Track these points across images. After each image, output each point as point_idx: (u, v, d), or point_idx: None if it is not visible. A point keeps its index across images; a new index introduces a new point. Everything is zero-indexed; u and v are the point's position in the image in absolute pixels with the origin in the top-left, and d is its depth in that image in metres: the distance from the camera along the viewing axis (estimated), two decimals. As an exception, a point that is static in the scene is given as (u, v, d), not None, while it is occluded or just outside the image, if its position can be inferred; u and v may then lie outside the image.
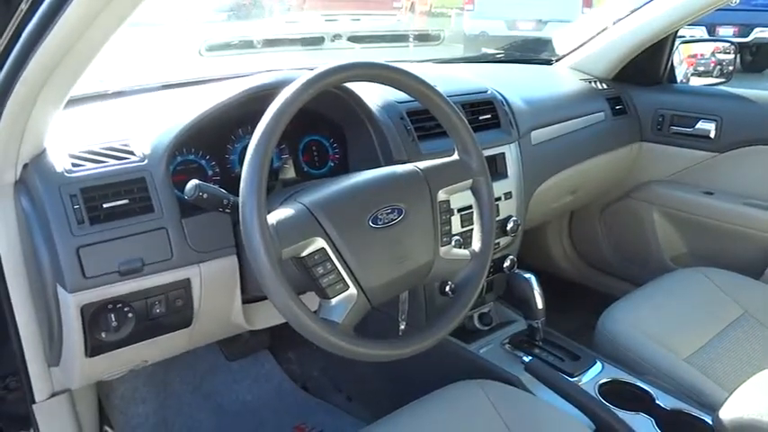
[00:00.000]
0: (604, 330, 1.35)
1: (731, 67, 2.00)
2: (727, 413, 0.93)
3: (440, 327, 0.92)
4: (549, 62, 1.97)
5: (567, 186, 1.67)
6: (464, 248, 1.01)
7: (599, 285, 2.02)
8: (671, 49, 1.81)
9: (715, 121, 1.70)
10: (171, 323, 0.96)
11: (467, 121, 1.00)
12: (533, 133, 1.50)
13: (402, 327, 1.15)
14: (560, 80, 1.81)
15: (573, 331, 1.39)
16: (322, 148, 1.26)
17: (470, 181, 1.00)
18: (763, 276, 1.63)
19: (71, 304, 0.86)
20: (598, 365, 1.25)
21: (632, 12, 1.72)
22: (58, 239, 0.84)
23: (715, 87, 1.84)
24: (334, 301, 0.83)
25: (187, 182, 0.87)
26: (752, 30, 7.07)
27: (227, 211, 0.88)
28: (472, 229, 1.05)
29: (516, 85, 1.57)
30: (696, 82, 1.94)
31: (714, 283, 1.49)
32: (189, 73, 1.36)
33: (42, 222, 0.86)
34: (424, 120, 1.25)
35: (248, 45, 1.66)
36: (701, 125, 1.73)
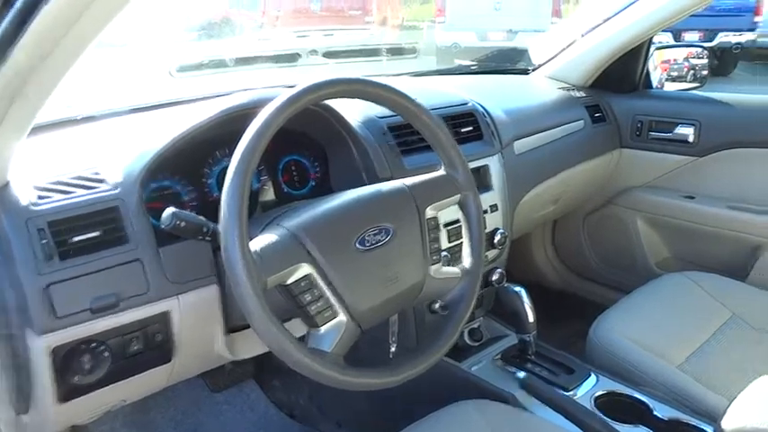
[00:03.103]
0: (596, 341, 1.33)
1: (704, 72, 2.02)
2: (728, 423, 0.90)
3: (433, 349, 0.89)
4: (525, 72, 1.97)
5: (550, 196, 1.66)
6: (453, 265, 0.98)
7: (585, 293, 2.00)
8: (646, 55, 1.82)
9: (693, 125, 1.71)
10: (150, 360, 0.91)
11: (451, 135, 0.98)
12: (516, 144, 1.48)
13: (393, 349, 1.11)
14: (539, 89, 1.80)
15: (563, 342, 1.37)
16: (302, 167, 1.22)
17: (458, 196, 0.97)
18: (748, 278, 1.63)
19: (41, 347, 0.80)
20: (593, 378, 1.23)
21: (607, 20, 1.72)
22: (24, 278, 0.79)
23: (692, 92, 1.85)
24: (323, 329, 0.79)
25: (162, 209, 0.82)
26: (716, 34, 7.25)
27: (207, 239, 0.84)
28: (460, 244, 1.03)
29: (496, 96, 1.56)
30: (671, 87, 1.95)
31: (701, 287, 1.48)
32: (160, 95, 1.31)
33: (7, 260, 0.80)
34: (406, 134, 1.22)
35: (221, 64, 1.62)
36: (679, 130, 1.74)
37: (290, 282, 0.77)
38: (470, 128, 1.37)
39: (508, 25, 7.32)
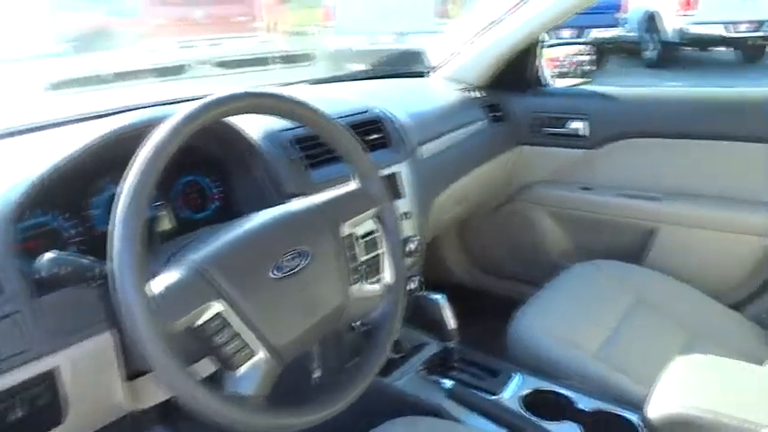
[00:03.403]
0: (515, 339, 1.34)
1: (589, 67, 2.12)
2: (654, 411, 0.93)
3: (361, 377, 0.84)
4: (423, 74, 1.96)
5: (458, 197, 1.67)
6: (372, 278, 0.94)
7: (500, 291, 2.04)
8: (536, 53, 1.87)
9: (585, 119, 1.78)
10: (36, 425, 0.78)
11: (361, 145, 0.93)
12: (422, 148, 1.46)
13: (316, 375, 1.05)
14: (439, 92, 1.80)
15: (484, 343, 1.37)
16: (201, 188, 1.12)
17: (374, 209, 0.93)
18: (645, 261, 1.72)
19: None
20: (517, 378, 1.23)
21: (500, 20, 1.75)
22: None
23: (582, 87, 1.93)
24: (241, 370, 0.71)
25: (40, 249, 0.71)
26: (585, 31, 7.80)
27: (97, 282, 0.73)
28: (377, 256, 0.99)
29: (398, 101, 1.54)
30: (560, 83, 2.03)
31: (606, 274, 1.54)
32: (31, 116, 1.16)
33: None
34: (312, 146, 1.16)
35: (100, 80, 1.47)
36: (572, 124, 1.80)
37: (199, 323, 0.69)
38: (377, 135, 1.33)
39: (396, 27, 7.42)
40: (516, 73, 1.88)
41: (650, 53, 8.62)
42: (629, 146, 1.72)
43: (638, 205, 1.72)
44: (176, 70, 1.75)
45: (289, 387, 0.80)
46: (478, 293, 2.08)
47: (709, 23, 8.16)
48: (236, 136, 1.06)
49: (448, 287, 1.35)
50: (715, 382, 0.90)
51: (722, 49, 8.72)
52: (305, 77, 1.81)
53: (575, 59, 2.17)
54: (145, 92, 1.74)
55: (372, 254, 0.98)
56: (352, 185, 0.93)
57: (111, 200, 0.68)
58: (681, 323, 1.38)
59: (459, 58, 1.89)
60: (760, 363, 1.27)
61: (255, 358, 0.72)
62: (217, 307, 0.69)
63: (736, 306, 1.60)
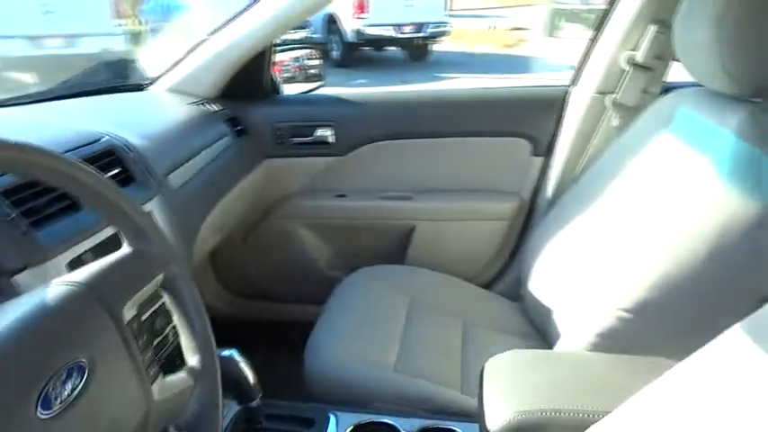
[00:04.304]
0: (314, 374, 1.22)
1: (315, 71, 2.09)
2: (492, 422, 0.91)
3: None
4: (141, 87, 1.67)
5: (216, 226, 1.46)
6: (175, 364, 0.71)
7: (275, 317, 1.87)
8: (270, 59, 1.75)
9: (330, 126, 1.73)
10: None
11: (114, 185, 0.69)
12: (170, 178, 1.22)
13: None
14: (168, 107, 1.55)
15: (282, 382, 1.22)
16: None
17: (160, 275, 0.70)
18: (407, 260, 1.77)
19: None
20: (332, 419, 1.12)
21: (226, 24, 1.58)
22: None
23: (324, 94, 1.88)
24: None
25: None
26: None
27: None
28: (175, 336, 0.76)
29: (127, 123, 1.25)
30: (290, 89, 1.95)
31: (378, 280, 1.53)
32: None
33: None
34: (29, 198, 0.84)
35: None
36: (319, 132, 1.74)
37: None
38: (117, 170, 1.05)
39: (64, 30, 6.46)
40: (251, 81, 1.73)
41: (335, 53, 9.28)
42: (377, 149, 1.73)
43: (392, 206, 1.75)
44: None
45: None
46: (255, 327, 1.88)
47: (380, 25, 9.13)
48: None
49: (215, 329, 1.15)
50: (539, 379, 0.92)
51: (394, 48, 9.87)
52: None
53: (300, 63, 2.12)
54: None
55: (167, 334, 0.74)
56: (124, 250, 0.69)
57: None
58: (454, 314, 1.44)
59: (183, 67, 1.66)
60: (528, 337, 1.41)
61: None
62: None
63: (487, 285, 1.76)
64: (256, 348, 1.23)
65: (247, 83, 1.71)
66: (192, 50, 1.63)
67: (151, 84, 1.67)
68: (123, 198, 0.68)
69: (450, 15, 10.05)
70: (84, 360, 0.55)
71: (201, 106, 1.57)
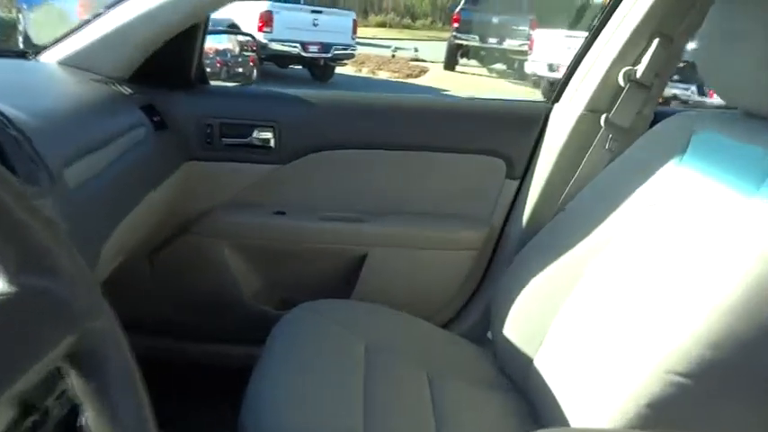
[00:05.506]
0: None
1: (242, 70, 1.78)
2: None
3: None
4: (25, 55, 1.28)
5: (125, 241, 1.09)
6: None
7: (191, 359, 1.49)
8: (201, 39, 1.41)
9: (272, 127, 1.43)
10: None
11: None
12: (67, 172, 0.86)
13: None
14: (64, 81, 1.17)
15: None
16: None
17: (68, 339, 0.38)
18: (354, 293, 1.48)
19: None
20: None
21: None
22: None
23: (268, 89, 1.56)
24: None
25: None
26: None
27: None
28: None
29: (5, 92, 0.88)
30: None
31: (326, 318, 1.25)
32: None
33: None
34: None
35: None
36: (257, 134, 1.42)
37: None
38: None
39: None
40: (171, 63, 1.38)
41: (235, 64, 8.91)
42: (326, 159, 1.45)
43: (341, 229, 1.47)
44: None
45: None
46: (165, 370, 1.47)
47: (285, 41, 8.92)
48: None
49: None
50: None
51: (299, 67, 9.66)
52: None
53: (225, 59, 1.80)
54: None
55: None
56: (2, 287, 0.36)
57: None
58: (416, 361, 1.20)
59: (84, 36, 1.28)
60: (502, 389, 1.19)
61: None
62: None
63: (446, 325, 1.52)
64: (166, 401, 0.91)
65: (167, 66, 1.36)
66: (91, 21, 1.26)
67: (37, 53, 1.28)
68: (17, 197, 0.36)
69: (358, 42, 10.10)
70: None
71: (110, 87, 1.21)
